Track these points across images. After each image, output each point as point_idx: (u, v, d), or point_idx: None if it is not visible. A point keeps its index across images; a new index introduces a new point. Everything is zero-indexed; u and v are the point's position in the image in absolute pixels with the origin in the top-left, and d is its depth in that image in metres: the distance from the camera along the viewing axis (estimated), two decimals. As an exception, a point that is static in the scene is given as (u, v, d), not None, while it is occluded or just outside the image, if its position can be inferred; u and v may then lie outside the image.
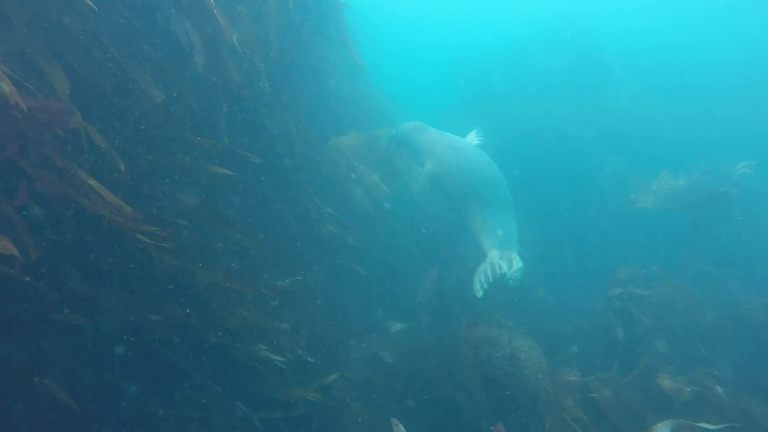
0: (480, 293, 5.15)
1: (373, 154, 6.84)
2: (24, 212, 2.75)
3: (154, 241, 3.08)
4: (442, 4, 15.86)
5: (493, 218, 6.00)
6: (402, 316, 5.97)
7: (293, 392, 3.83)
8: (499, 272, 5.30)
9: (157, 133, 3.58)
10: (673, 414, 3.93)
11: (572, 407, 4.11)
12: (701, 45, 11.76)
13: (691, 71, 11.16)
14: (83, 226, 2.99)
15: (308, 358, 4.01)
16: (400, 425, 3.35)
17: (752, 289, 6.31)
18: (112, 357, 3.37)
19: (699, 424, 3.50)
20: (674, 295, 4.95)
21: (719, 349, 4.69)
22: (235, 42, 4.05)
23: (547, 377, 4.21)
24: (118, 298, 3.20)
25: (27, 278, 2.70)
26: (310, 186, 5.12)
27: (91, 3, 2.96)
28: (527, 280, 7.11)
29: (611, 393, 4.11)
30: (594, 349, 5.30)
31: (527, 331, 5.07)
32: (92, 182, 2.85)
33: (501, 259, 5.55)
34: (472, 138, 6.86)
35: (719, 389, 3.84)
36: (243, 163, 4.47)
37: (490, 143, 8.81)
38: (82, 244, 3.05)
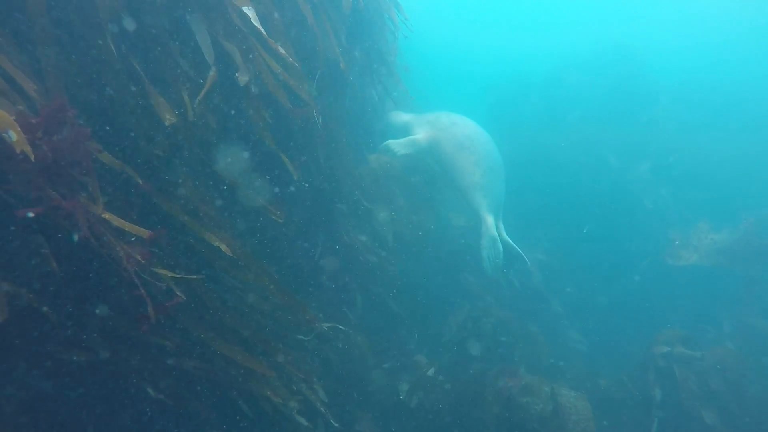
0: (490, 272, 5.16)
1: (408, 174, 6.65)
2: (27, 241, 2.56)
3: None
4: (483, 29, 15.72)
5: (487, 179, 5.74)
6: (429, 352, 5.73)
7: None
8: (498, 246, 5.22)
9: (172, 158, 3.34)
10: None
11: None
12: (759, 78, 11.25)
13: (745, 105, 10.68)
14: (90, 264, 2.79)
15: (332, 422, 3.77)
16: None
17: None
18: (116, 406, 3.19)
19: None
20: (730, 361, 4.57)
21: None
22: (278, 66, 3.86)
23: (592, 439, 3.91)
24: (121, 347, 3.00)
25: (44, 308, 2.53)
26: (347, 211, 4.93)
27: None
28: (559, 322, 6.82)
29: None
30: (632, 409, 4.95)
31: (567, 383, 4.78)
32: (104, 213, 2.65)
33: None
34: None
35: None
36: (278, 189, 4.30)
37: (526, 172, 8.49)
38: (87, 285, 2.85)
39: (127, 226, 2.73)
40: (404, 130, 6.49)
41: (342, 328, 4.12)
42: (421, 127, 6.28)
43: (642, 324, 6.81)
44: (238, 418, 3.41)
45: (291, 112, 4.25)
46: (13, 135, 2.09)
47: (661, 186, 9.40)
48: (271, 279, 3.51)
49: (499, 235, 5.45)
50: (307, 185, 4.37)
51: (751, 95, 10.87)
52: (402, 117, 6.62)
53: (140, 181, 3.00)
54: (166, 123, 3.14)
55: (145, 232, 2.77)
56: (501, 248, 5.23)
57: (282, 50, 3.59)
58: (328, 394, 4.03)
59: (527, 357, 5.69)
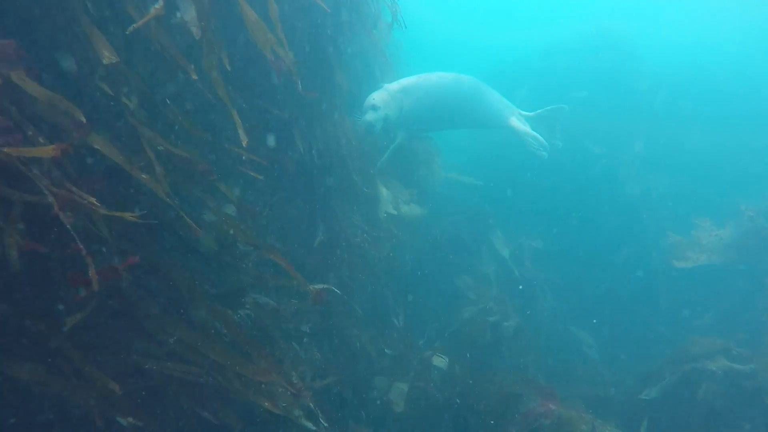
0: (546, 155, 5.79)
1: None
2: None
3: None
4: (466, 20, 14.97)
5: (491, 97, 6.00)
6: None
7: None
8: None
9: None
10: None
11: None
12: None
13: (734, 97, 10.35)
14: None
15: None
16: None
17: None
18: None
19: None
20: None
21: None
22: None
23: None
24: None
25: None
26: (343, 197, 4.10)
27: None
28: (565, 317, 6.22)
29: None
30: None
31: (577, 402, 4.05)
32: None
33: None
34: None
35: None
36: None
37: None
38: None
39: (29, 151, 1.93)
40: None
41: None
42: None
43: (659, 331, 6.29)
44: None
45: (273, 63, 3.37)
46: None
47: (655, 178, 8.91)
48: (269, 249, 2.86)
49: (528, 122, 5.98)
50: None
51: (744, 87, 10.54)
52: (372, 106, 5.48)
53: (83, 119, 2.19)
54: (105, 62, 2.37)
55: (49, 149, 1.96)
56: (536, 134, 5.83)
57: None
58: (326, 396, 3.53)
59: (537, 365, 4.99)
